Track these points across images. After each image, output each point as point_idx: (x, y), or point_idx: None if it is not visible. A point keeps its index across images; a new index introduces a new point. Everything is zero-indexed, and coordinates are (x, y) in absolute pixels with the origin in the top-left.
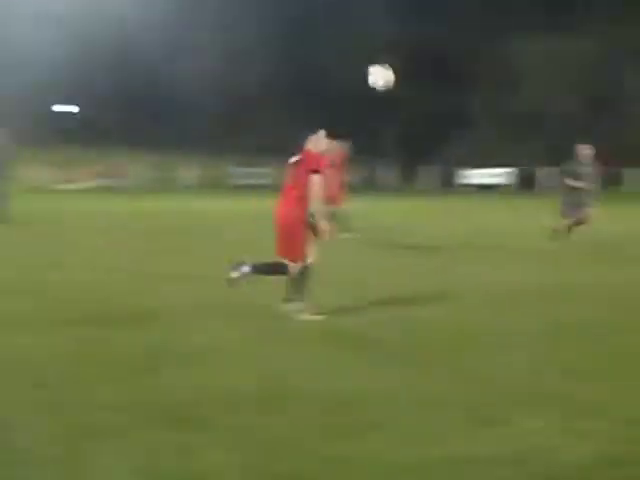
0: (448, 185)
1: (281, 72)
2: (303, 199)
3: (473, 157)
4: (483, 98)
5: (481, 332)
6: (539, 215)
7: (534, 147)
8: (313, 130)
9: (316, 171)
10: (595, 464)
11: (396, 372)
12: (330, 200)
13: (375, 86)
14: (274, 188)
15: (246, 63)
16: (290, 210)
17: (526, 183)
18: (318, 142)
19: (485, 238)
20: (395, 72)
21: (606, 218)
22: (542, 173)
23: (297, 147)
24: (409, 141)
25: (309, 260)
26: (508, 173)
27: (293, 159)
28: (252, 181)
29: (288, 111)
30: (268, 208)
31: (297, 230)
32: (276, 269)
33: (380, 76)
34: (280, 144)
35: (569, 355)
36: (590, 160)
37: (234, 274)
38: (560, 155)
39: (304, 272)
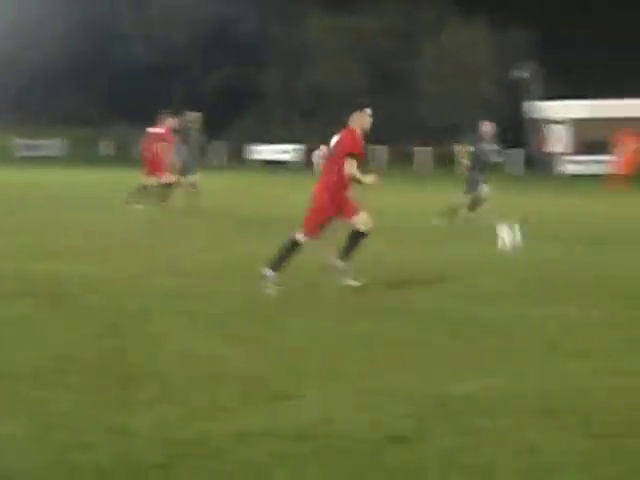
0: (238, 161)
1: (71, 44)
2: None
3: (263, 133)
4: (273, 74)
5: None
6: None
7: (323, 124)
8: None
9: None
10: (377, 438)
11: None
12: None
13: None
14: (62, 160)
15: (36, 34)
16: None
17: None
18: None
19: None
20: (193, 46)
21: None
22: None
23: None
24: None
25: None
26: (296, 150)
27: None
28: (39, 153)
29: (77, 82)
30: (50, 179)
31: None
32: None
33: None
34: (70, 116)
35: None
36: (492, 137)
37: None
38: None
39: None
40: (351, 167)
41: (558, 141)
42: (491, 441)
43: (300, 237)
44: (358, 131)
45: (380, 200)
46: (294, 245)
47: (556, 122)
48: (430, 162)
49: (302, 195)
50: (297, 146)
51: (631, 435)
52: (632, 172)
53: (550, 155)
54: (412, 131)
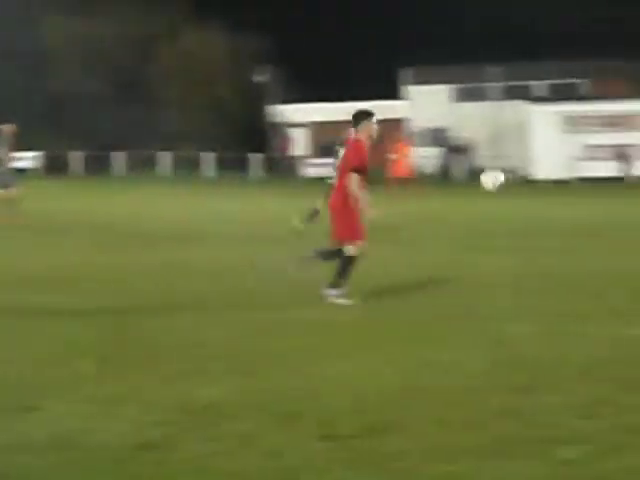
0: None
1: None
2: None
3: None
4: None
5: None
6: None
7: (63, 130)
8: None
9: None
10: (128, 446)
11: None
12: None
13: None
14: None
15: None
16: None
17: (56, 166)
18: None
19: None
20: None
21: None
22: (74, 157)
23: None
24: None
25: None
26: (35, 157)
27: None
28: None
29: None
30: None
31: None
32: (334, 254)
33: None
34: None
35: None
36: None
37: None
38: (88, 140)
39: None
40: (352, 182)
41: (298, 144)
42: (241, 445)
43: (352, 250)
44: (365, 141)
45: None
46: (351, 260)
47: (296, 126)
48: (172, 166)
49: (42, 203)
50: (36, 153)
51: (367, 437)
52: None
53: (292, 158)
54: (153, 136)
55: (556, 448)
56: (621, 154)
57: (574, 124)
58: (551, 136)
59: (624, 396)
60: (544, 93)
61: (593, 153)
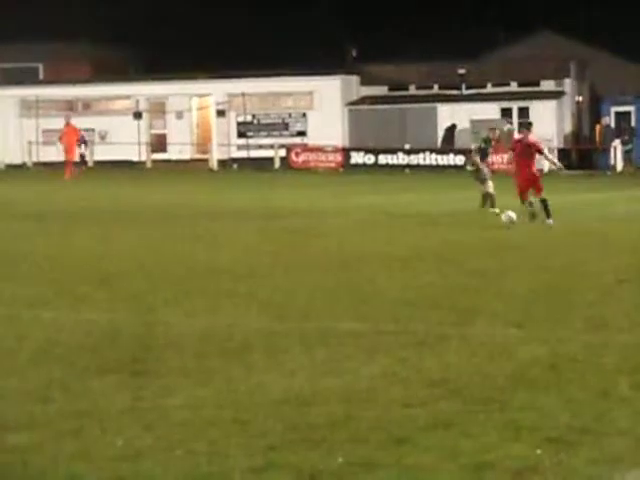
0: None
1: None
2: None
3: None
4: None
5: None
6: None
7: None
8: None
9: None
10: None
11: None
12: None
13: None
14: None
15: None
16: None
17: None
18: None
19: None
20: None
21: None
22: None
23: None
24: None
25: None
26: None
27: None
28: None
29: None
30: None
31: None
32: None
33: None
34: None
35: None
36: None
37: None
38: None
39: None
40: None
41: None
42: None
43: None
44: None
45: None
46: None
47: None
48: None
49: None
50: None
51: None
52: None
53: None
54: None
55: (8, 434)
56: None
57: (31, 108)
58: (8, 120)
59: (75, 381)
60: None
61: (50, 137)
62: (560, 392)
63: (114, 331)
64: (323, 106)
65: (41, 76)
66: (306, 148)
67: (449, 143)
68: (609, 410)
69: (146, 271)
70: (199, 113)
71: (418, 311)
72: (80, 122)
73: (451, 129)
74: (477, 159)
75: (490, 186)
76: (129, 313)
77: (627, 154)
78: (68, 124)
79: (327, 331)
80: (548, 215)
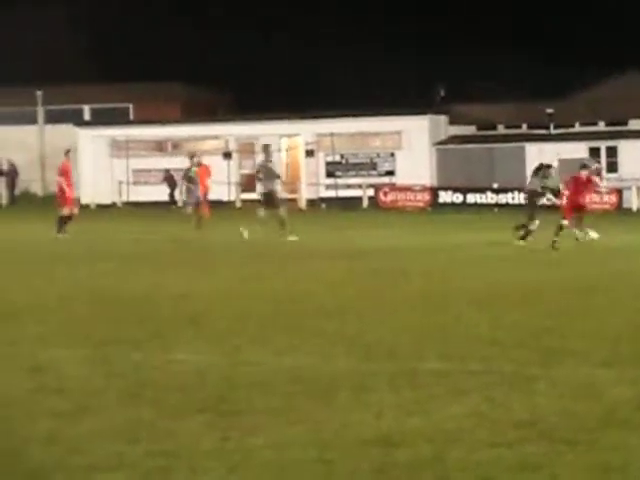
0: None
1: None
2: None
3: None
4: None
5: None
6: None
7: None
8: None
9: None
10: None
11: None
12: None
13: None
14: None
15: None
16: None
17: None
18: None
19: None
20: None
21: None
22: None
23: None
24: None
25: None
26: None
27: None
28: None
29: None
30: None
31: None
32: None
33: None
34: None
35: None
36: None
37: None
38: None
39: None
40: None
41: None
42: None
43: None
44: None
45: None
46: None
47: None
48: None
49: None
50: None
51: None
52: None
53: None
54: None
55: (96, 474)
56: (169, 177)
57: (121, 148)
58: (99, 160)
59: (162, 421)
60: (90, 117)
61: (141, 177)
62: None
63: (202, 371)
64: (411, 146)
65: (131, 116)
66: (394, 187)
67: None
68: None
69: (233, 310)
70: (288, 153)
71: (504, 351)
72: (170, 162)
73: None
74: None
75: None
76: (216, 353)
77: None
78: (201, 164)
79: (414, 371)
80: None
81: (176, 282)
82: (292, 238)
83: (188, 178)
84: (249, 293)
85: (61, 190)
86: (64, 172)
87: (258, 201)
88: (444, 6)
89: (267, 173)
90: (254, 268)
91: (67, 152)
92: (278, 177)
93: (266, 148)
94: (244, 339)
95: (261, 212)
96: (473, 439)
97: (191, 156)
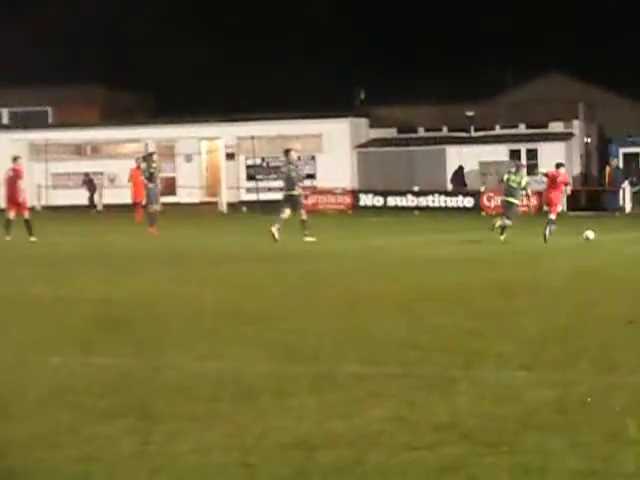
0: None
1: None
2: None
3: None
4: None
5: None
6: None
7: None
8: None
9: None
10: None
11: None
12: None
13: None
14: None
15: None
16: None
17: None
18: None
19: None
20: None
21: None
22: None
23: None
24: None
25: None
26: None
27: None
28: None
29: None
30: None
31: None
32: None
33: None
34: None
35: None
36: None
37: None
38: None
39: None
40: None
41: None
42: None
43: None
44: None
45: None
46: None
47: None
48: None
49: None
50: None
51: None
52: None
53: None
54: None
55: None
56: (88, 181)
57: (40, 152)
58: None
59: (83, 426)
60: (8, 120)
61: (60, 181)
62: (569, 435)
63: (123, 375)
64: (332, 149)
65: (50, 120)
66: (315, 190)
67: (459, 185)
68: (617, 453)
69: (155, 315)
70: (208, 156)
71: (426, 354)
72: (89, 166)
73: (458, 171)
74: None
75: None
76: (138, 357)
77: (636, 195)
78: (139, 167)
79: (335, 374)
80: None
81: (97, 285)
82: (309, 239)
83: (148, 177)
84: (171, 297)
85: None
86: (20, 176)
87: (280, 202)
88: (365, 9)
89: (289, 177)
90: (177, 271)
91: (16, 158)
92: (300, 181)
93: (287, 153)
94: (166, 343)
95: (285, 214)
96: (393, 442)
97: (147, 156)
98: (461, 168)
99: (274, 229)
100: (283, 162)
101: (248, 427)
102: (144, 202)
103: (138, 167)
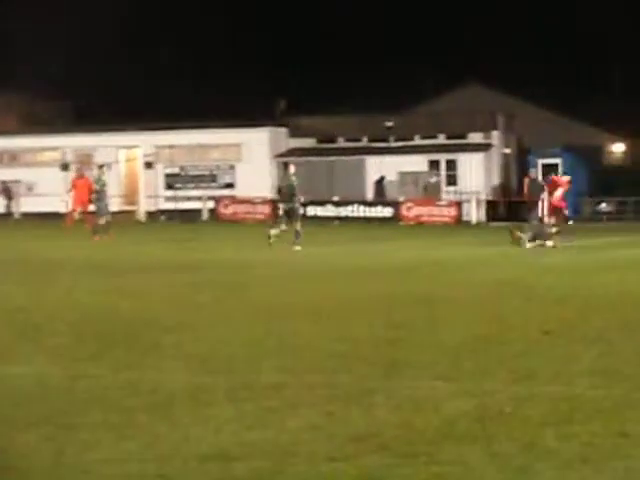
0: None
1: None
2: None
3: None
4: None
5: None
6: None
7: None
8: None
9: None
10: None
11: None
12: None
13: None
14: None
15: None
16: None
17: None
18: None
19: None
20: None
21: None
22: None
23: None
24: None
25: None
26: None
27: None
28: None
29: None
30: None
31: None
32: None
33: None
34: None
35: None
36: None
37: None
38: None
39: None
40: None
41: None
42: None
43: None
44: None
45: None
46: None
47: None
48: None
49: None
50: None
51: None
52: None
53: None
54: None
55: None
56: (6, 189)
57: None
58: None
59: (1, 435)
60: None
61: None
62: (486, 445)
63: (39, 384)
64: (251, 158)
65: None
66: (234, 200)
67: (380, 195)
68: (535, 462)
69: (71, 324)
70: (127, 165)
71: (344, 364)
72: (6, 174)
73: (380, 182)
74: None
75: None
76: (54, 366)
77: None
78: (83, 176)
79: (253, 384)
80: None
81: (13, 294)
82: (297, 248)
83: (98, 187)
84: (89, 306)
85: None
86: None
87: (278, 216)
88: (286, 20)
89: (288, 191)
90: (95, 280)
91: None
92: (297, 194)
93: (286, 166)
94: (83, 353)
95: (283, 226)
96: (311, 453)
97: (100, 167)
98: (382, 178)
99: (273, 233)
100: (282, 177)
101: (165, 437)
102: (95, 211)
103: (80, 176)
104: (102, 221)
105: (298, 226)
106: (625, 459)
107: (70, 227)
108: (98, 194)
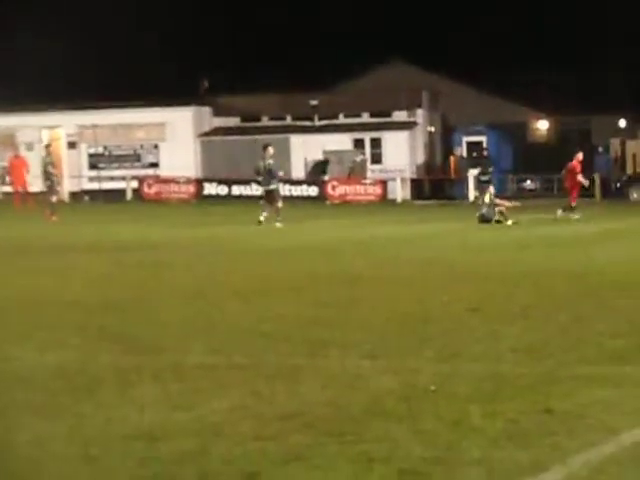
0: None
1: None
2: None
3: None
4: None
5: None
6: None
7: None
8: None
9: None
10: None
11: None
12: None
13: None
14: None
15: None
16: None
17: None
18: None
19: None
20: None
21: None
22: None
23: None
24: None
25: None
26: None
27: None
28: None
29: None
30: None
31: None
32: None
33: None
34: None
35: None
36: None
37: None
38: None
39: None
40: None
41: None
42: None
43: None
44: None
45: None
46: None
47: None
48: None
49: None
50: None
51: None
52: None
53: None
54: None
55: None
56: None
57: None
58: None
59: None
60: None
61: None
62: (413, 423)
63: None
64: (175, 137)
65: None
66: (158, 179)
67: (317, 175)
68: (461, 440)
69: None
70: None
71: (270, 343)
72: None
73: (323, 163)
74: None
75: None
76: None
77: (485, 184)
78: (18, 156)
79: (179, 364)
80: None
81: None
82: (279, 225)
83: (51, 165)
84: (12, 286)
85: None
86: None
87: (260, 198)
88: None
89: (268, 173)
90: (18, 261)
91: None
92: (277, 177)
93: (266, 148)
94: (5, 334)
95: (266, 211)
96: (238, 432)
97: (47, 146)
98: (326, 161)
99: (261, 219)
100: (261, 157)
101: (90, 418)
102: (46, 190)
103: (16, 156)
104: (54, 199)
105: (279, 203)
106: (550, 435)
107: (21, 208)
108: (46, 174)
